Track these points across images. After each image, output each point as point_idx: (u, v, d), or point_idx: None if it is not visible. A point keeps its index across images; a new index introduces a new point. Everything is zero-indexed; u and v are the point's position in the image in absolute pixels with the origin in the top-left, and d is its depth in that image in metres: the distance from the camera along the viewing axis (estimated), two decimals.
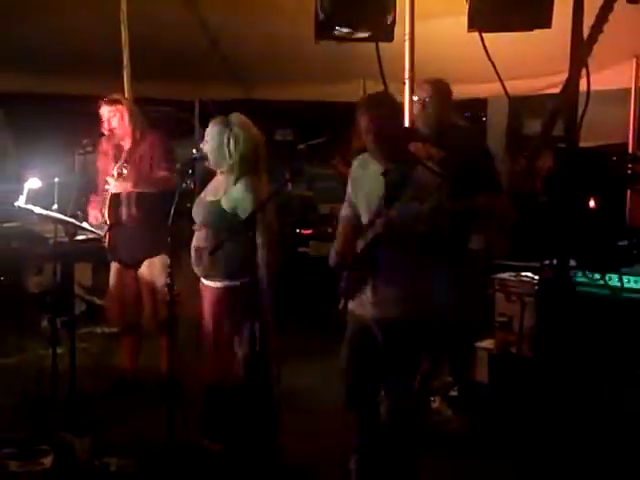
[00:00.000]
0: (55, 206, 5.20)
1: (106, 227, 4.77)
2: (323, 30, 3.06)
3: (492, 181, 4.26)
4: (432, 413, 4.68)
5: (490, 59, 2.74)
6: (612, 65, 6.20)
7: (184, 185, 7.61)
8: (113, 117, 4.75)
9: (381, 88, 3.85)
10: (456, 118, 4.55)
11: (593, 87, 6.93)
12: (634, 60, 6.04)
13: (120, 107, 4.78)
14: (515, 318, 4.67)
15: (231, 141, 3.82)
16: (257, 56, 6.95)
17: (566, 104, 2.12)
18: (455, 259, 4.12)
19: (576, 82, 2.13)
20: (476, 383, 4.74)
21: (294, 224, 7.29)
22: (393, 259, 3.33)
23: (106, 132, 4.78)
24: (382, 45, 3.97)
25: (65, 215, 4.37)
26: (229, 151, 3.82)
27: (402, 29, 4.49)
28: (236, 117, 3.91)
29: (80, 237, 4.57)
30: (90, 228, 4.57)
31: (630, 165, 4.26)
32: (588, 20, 2.52)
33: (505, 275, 4.83)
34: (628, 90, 6.22)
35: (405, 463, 3.49)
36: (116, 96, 4.94)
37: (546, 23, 2.74)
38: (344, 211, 3.65)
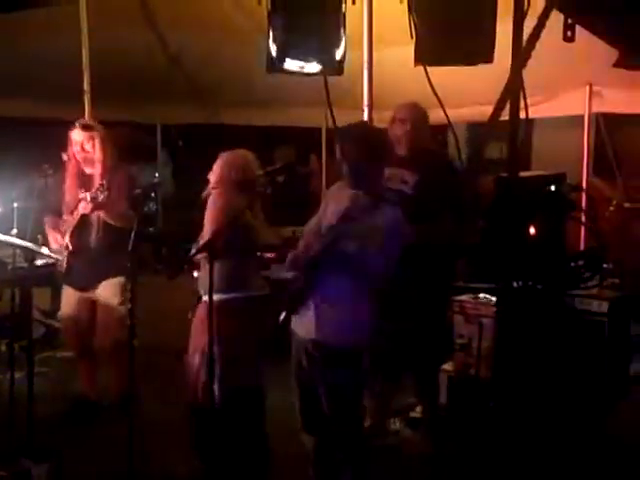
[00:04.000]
0: (14, 231, 5.16)
1: (66, 252, 4.74)
2: (274, 63, 3.11)
3: (458, 205, 4.35)
4: (392, 434, 4.72)
5: (433, 89, 2.84)
6: (566, 92, 6.36)
7: (146, 209, 7.59)
8: (87, 143, 4.71)
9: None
10: (430, 143, 4.63)
11: (547, 114, 7.06)
12: (587, 87, 6.19)
13: (95, 133, 4.75)
14: (474, 340, 4.69)
15: None
16: (220, 79, 6.98)
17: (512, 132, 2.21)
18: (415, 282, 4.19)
19: (516, 112, 2.23)
20: (438, 406, 4.75)
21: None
22: (332, 282, 3.34)
23: (77, 155, 4.73)
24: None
25: (24, 240, 4.33)
26: None
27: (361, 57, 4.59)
28: None
29: (39, 262, 4.53)
30: (49, 253, 4.53)
31: (568, 194, 4.39)
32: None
33: (464, 297, 4.87)
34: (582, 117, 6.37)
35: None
36: (91, 122, 4.90)
37: (488, 58, 2.86)
38: (309, 226, 3.63)
